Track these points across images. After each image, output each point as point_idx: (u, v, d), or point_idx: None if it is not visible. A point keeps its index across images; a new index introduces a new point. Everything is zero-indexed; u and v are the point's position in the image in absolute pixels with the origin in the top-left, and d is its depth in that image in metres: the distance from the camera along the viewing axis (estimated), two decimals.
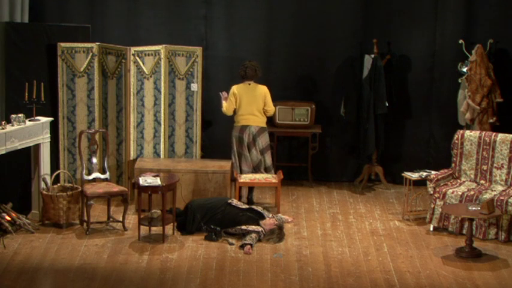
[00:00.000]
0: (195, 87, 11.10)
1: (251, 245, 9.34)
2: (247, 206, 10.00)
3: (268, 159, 10.85)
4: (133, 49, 10.73)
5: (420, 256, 9.23)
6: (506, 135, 10.22)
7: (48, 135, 10.14)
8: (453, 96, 11.38)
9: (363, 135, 11.43)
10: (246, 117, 10.77)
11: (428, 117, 11.80)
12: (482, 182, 10.27)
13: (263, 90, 10.79)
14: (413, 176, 10.42)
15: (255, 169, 10.80)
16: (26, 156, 10.12)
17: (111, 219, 10.06)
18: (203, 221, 9.79)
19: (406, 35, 11.63)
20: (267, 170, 10.84)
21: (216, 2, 11.63)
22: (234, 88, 10.76)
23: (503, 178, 10.16)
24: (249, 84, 10.76)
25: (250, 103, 10.73)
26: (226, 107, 10.78)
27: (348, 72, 11.69)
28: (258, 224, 9.71)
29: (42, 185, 10.03)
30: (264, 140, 10.80)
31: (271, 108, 10.85)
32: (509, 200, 9.63)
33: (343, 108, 11.58)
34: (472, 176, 10.36)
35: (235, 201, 10.04)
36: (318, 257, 9.16)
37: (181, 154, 11.18)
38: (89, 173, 10.27)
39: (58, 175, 10.55)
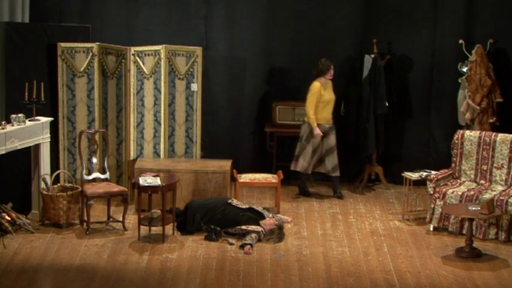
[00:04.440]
0: (195, 87, 11.09)
1: (251, 245, 9.34)
2: (247, 206, 9.99)
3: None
4: (133, 49, 10.73)
5: (420, 256, 9.23)
6: (506, 135, 10.22)
7: (48, 135, 10.14)
8: (453, 96, 11.38)
9: (363, 135, 11.42)
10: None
11: (428, 117, 11.79)
12: (482, 182, 10.27)
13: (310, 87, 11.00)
14: (413, 176, 10.42)
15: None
16: (26, 156, 10.12)
17: (111, 219, 10.06)
18: (203, 221, 9.79)
19: (406, 35, 11.62)
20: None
21: (216, 2, 11.62)
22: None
23: (503, 178, 10.16)
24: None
25: None
26: None
27: (348, 72, 11.69)
28: (258, 224, 9.71)
29: (42, 185, 10.03)
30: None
31: (306, 107, 11.03)
32: (509, 200, 9.63)
33: (343, 108, 11.58)
34: (472, 176, 10.35)
35: (235, 201, 10.04)
36: (318, 257, 9.16)
37: (181, 154, 11.18)
38: (89, 173, 10.27)
39: (58, 175, 10.55)
